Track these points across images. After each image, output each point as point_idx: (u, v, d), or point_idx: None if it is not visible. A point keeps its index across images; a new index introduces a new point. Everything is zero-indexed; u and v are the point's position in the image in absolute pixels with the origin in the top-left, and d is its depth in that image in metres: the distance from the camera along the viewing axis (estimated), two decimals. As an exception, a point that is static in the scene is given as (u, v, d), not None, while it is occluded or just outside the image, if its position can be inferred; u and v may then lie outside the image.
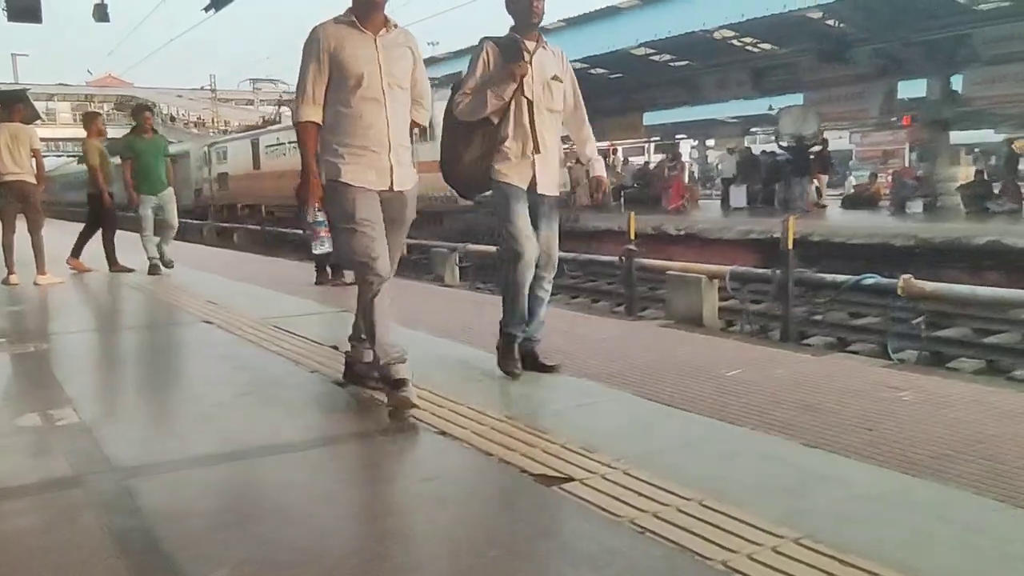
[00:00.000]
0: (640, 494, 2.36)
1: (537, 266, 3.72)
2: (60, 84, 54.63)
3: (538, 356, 3.88)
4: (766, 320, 8.67)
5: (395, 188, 3.38)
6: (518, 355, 3.83)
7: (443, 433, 3.01)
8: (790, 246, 7.25)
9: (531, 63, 3.67)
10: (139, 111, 9.21)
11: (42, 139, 8.73)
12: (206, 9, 13.20)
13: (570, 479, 2.49)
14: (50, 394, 3.75)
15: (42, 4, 11.24)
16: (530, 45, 3.72)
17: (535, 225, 3.71)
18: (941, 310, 8.17)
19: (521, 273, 3.67)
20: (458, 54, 22.39)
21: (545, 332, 3.98)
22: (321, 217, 3.48)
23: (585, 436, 2.89)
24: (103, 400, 3.89)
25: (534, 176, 3.71)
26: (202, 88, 52.52)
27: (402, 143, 3.40)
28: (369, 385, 3.56)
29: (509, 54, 3.68)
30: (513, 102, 3.66)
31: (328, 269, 7.72)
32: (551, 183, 3.79)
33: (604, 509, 2.27)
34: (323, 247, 3.84)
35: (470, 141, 3.71)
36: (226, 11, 13.39)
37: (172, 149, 11.67)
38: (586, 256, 10.51)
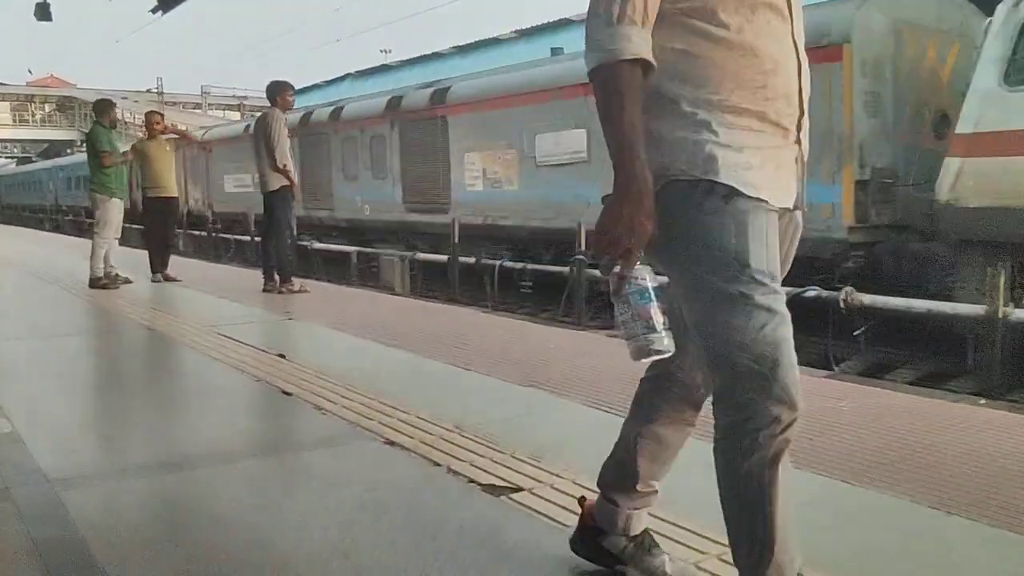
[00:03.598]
0: (587, 503, 2.36)
1: None
2: (-1, 83, 53.13)
3: None
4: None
5: (797, 203, 1.66)
6: None
7: (390, 442, 2.97)
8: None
9: None
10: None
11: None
12: (154, 11, 12.95)
13: (518, 488, 2.48)
14: (-20, 402, 3.61)
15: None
16: None
17: None
18: (882, 322, 8.37)
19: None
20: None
21: None
22: (649, 280, 1.52)
23: (534, 445, 2.88)
24: (37, 408, 3.74)
25: None
26: (148, 91, 51.45)
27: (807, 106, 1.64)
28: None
29: None
30: None
31: (277, 276, 7.60)
32: None
33: (552, 518, 2.26)
34: (660, 343, 1.52)
35: None
36: (174, 14, 13.15)
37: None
38: (533, 266, 10.35)
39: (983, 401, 4.68)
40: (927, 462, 2.74)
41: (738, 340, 1.47)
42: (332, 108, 14.42)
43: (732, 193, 1.49)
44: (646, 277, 1.51)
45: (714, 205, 1.49)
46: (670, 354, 1.52)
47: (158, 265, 8.66)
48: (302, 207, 13.94)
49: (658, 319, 1.50)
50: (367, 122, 13.08)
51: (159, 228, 8.91)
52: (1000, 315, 5.98)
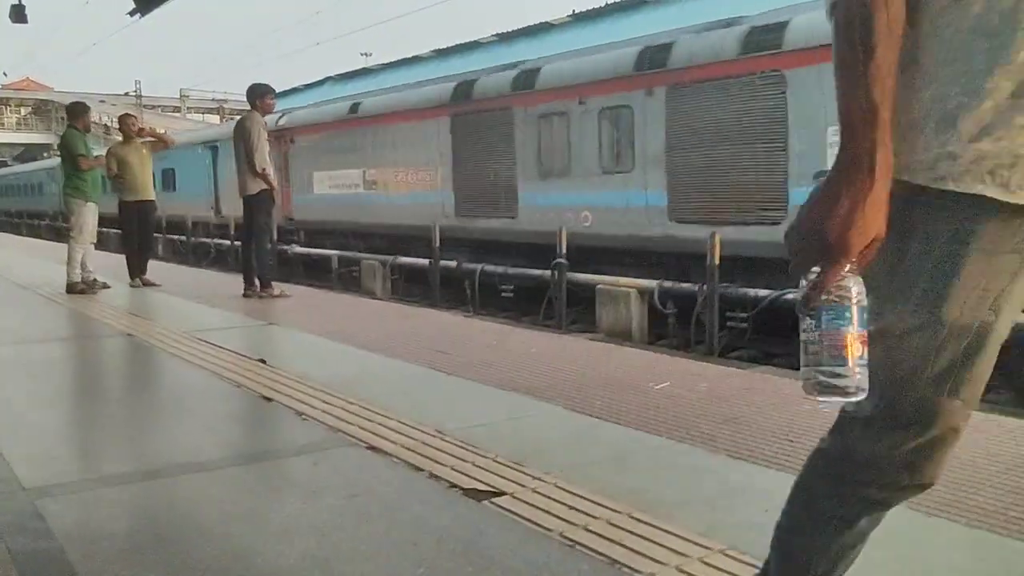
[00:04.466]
0: (571, 507, 2.36)
1: None
2: (-28, 86, 52.55)
3: None
4: (692, 334, 8.82)
5: None
6: None
7: (372, 448, 2.96)
8: (716, 261, 7.40)
9: None
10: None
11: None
12: (131, 13, 12.84)
13: (501, 493, 2.47)
14: (-46, 410, 3.56)
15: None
16: None
17: None
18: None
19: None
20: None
21: None
22: (854, 295, 1.06)
23: (516, 449, 2.88)
24: (13, 417, 3.70)
25: None
26: (126, 94, 51.11)
27: None
28: None
29: None
30: None
31: (257, 281, 7.56)
32: None
33: (535, 523, 2.27)
34: (848, 381, 1.10)
35: None
36: (153, 16, 13.04)
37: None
38: (515, 270, 10.35)
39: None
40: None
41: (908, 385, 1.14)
42: (517, 72, 10.11)
43: (974, 207, 1.02)
44: (851, 292, 1.06)
45: (938, 227, 1.04)
46: (860, 398, 1.12)
47: (136, 270, 8.58)
48: (455, 216, 11.22)
49: (854, 350, 1.08)
50: (594, 88, 9.00)
51: (137, 233, 8.83)
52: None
